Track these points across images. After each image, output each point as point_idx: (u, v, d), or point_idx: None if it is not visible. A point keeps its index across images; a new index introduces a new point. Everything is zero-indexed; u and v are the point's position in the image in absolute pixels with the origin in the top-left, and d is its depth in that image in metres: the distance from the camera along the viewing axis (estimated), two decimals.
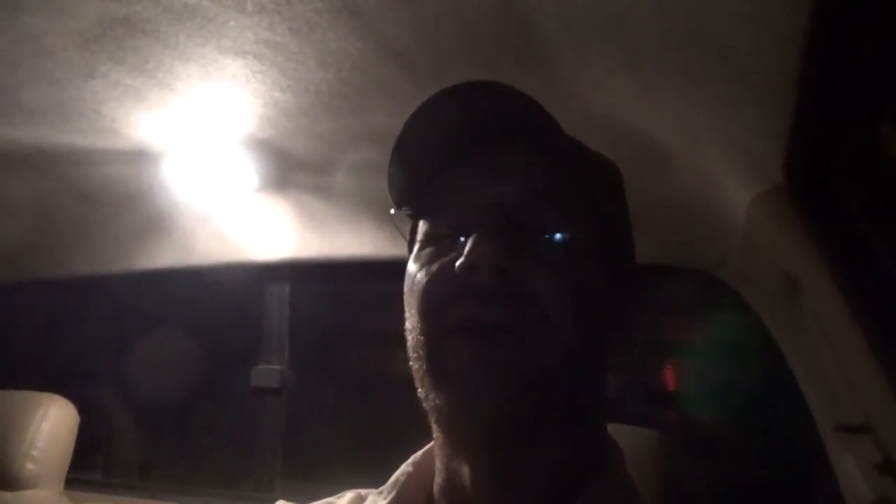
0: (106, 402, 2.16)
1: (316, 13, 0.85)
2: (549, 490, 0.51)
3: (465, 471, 0.51)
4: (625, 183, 0.61)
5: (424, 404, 0.52)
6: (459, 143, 0.54)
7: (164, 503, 1.73)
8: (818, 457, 1.00)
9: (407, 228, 0.62)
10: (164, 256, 1.61)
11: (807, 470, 1.34)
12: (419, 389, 0.52)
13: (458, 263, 0.49)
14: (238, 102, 1.09)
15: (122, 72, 1.01)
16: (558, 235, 0.52)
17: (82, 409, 1.47)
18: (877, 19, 0.65)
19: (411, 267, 0.55)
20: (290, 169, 1.33)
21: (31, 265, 1.77)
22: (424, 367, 0.51)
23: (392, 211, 0.60)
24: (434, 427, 0.55)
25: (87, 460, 1.86)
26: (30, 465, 1.34)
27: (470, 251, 0.48)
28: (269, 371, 1.79)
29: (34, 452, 1.34)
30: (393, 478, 0.61)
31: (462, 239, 0.51)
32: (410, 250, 0.58)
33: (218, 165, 1.32)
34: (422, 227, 0.56)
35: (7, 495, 1.31)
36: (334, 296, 2.02)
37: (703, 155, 0.95)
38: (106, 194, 1.49)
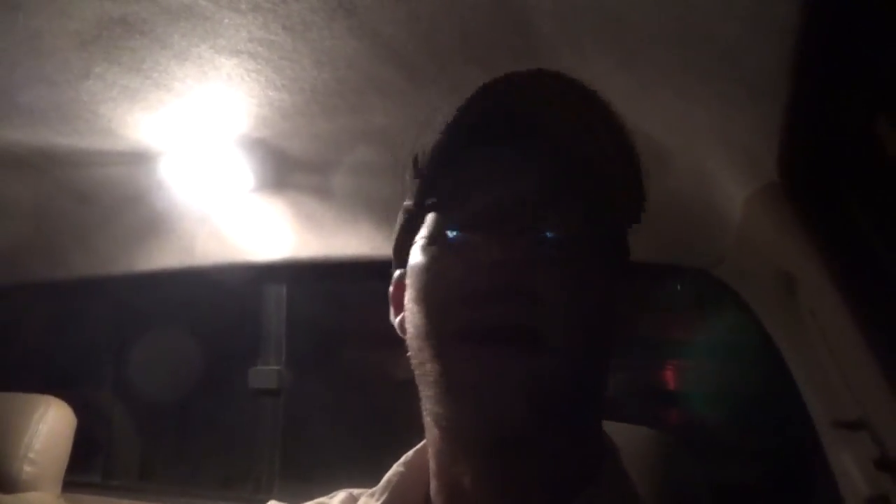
0: (104, 403, 2.16)
1: (311, 11, 0.85)
2: (550, 490, 0.50)
3: (468, 476, 0.51)
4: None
5: (427, 408, 0.51)
6: (473, 137, 0.51)
7: None
8: (815, 454, 1.00)
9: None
10: (161, 257, 1.61)
11: (804, 467, 1.34)
12: (424, 392, 0.50)
13: (473, 263, 0.47)
14: (234, 102, 1.09)
15: (119, 72, 1.01)
16: (570, 237, 0.50)
17: (81, 411, 1.47)
18: (871, 16, 0.65)
19: (418, 262, 0.52)
20: (286, 169, 1.33)
21: (28, 266, 1.77)
22: (431, 372, 0.49)
23: (407, 202, 0.57)
24: (432, 430, 0.54)
25: (86, 462, 1.86)
26: (27, 468, 1.33)
27: (487, 251, 0.47)
28: (266, 372, 1.79)
29: (31, 455, 1.34)
30: (385, 479, 0.60)
31: (473, 237, 0.49)
32: (403, 243, 0.57)
33: (215, 166, 1.32)
34: (430, 221, 0.54)
35: (5, 498, 1.30)
36: (332, 296, 2.02)
37: (700, 153, 0.95)
38: (103, 195, 1.49)
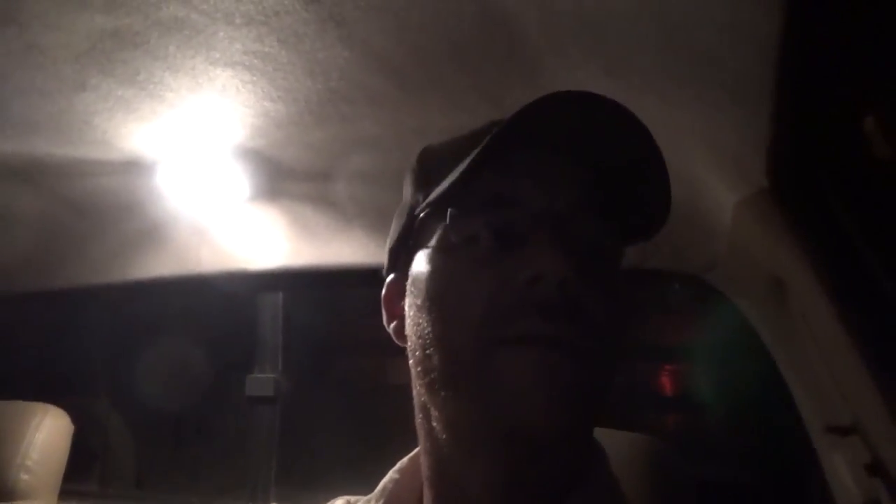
0: (101, 411, 2.16)
1: (303, 24, 0.85)
2: (550, 494, 0.51)
3: (477, 481, 0.51)
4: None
5: (438, 410, 0.51)
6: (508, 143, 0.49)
7: None
8: (808, 458, 1.00)
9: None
10: (157, 267, 1.61)
11: (796, 471, 1.34)
12: (441, 393, 0.50)
13: (521, 274, 0.47)
14: (228, 112, 1.10)
15: (113, 84, 1.01)
16: (605, 250, 0.51)
17: (78, 420, 1.47)
18: (851, 19, 0.66)
19: (443, 266, 0.51)
20: (281, 178, 1.33)
21: (24, 277, 1.77)
22: (463, 374, 0.48)
23: (423, 201, 0.55)
24: (432, 437, 0.54)
25: (83, 471, 1.86)
26: (24, 476, 1.33)
27: (534, 262, 0.47)
28: (263, 380, 1.79)
29: (28, 463, 1.34)
30: (380, 485, 0.61)
31: (507, 245, 0.49)
32: (403, 248, 0.57)
33: (210, 176, 1.33)
34: (454, 224, 0.51)
35: None
36: (327, 303, 2.03)
37: (688, 160, 0.95)
38: (99, 205, 1.49)
